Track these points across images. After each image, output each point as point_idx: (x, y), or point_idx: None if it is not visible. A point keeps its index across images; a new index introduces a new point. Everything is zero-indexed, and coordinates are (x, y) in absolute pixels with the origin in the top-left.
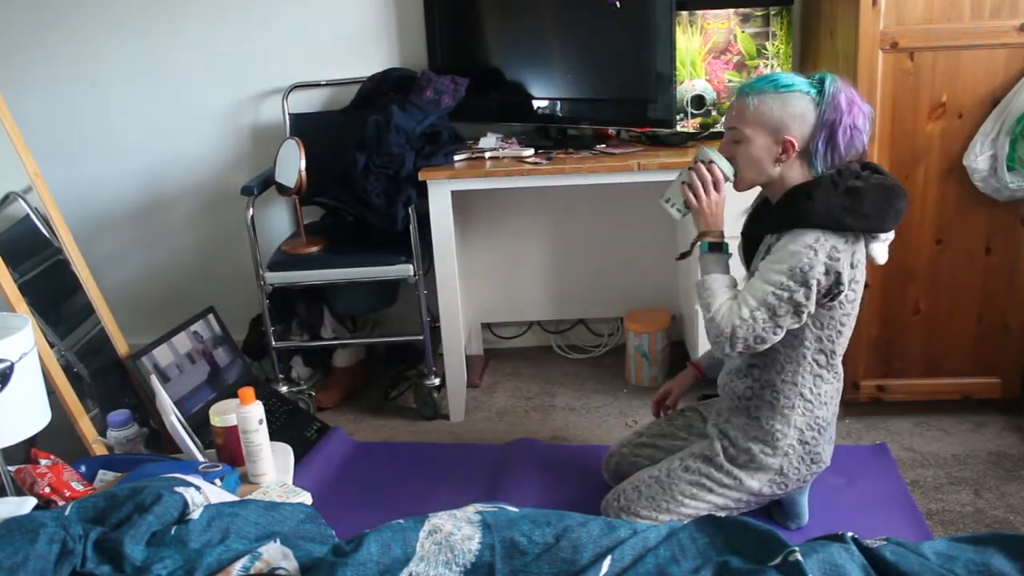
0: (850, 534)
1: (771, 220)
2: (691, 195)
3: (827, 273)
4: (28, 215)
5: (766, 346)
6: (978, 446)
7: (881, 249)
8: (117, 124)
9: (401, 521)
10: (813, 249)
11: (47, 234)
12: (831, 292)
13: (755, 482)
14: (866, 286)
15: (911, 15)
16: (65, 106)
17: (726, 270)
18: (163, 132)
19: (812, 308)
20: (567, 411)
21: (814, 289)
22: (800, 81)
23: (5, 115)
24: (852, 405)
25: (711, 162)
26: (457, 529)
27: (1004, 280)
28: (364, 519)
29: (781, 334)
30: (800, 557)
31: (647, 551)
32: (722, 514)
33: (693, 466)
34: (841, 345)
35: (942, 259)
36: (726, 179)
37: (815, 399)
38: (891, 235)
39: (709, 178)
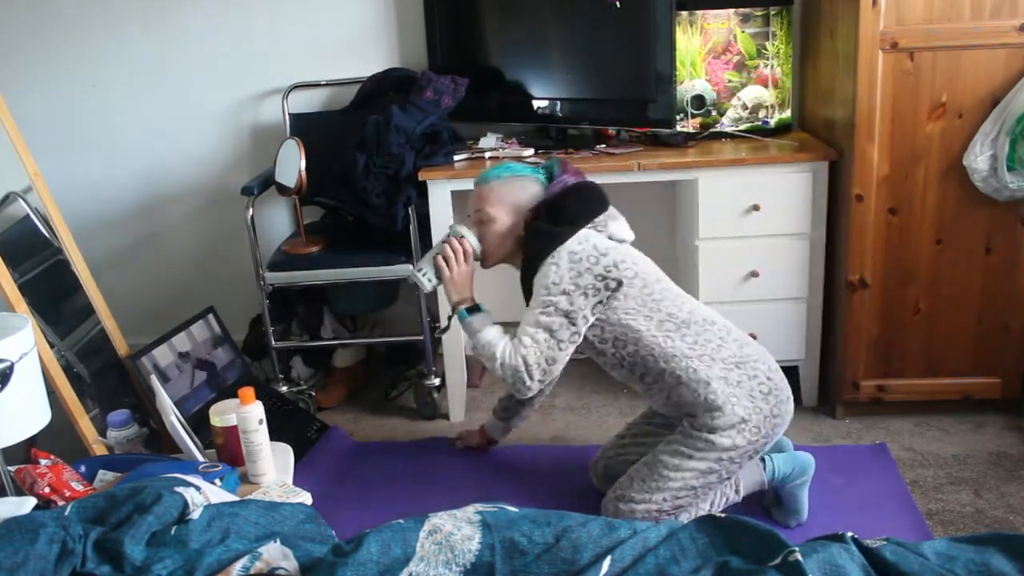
0: (850, 534)
1: (525, 276)
2: (443, 265)
3: (580, 274)
4: (28, 215)
5: (559, 366)
6: (978, 446)
7: (619, 226)
8: (117, 124)
9: (401, 521)
10: (554, 263)
11: (47, 234)
12: (608, 284)
13: (726, 439)
14: (866, 286)
15: (911, 15)
16: (65, 106)
17: (491, 323)
18: (163, 132)
19: (585, 312)
20: (567, 411)
21: (576, 295)
22: (528, 168)
23: (5, 115)
24: (852, 405)
25: (462, 237)
26: (457, 529)
27: (1004, 280)
28: (364, 519)
29: (568, 348)
30: (800, 557)
31: (647, 551)
32: (712, 478)
33: (671, 438)
34: (675, 305)
35: (942, 259)
36: (476, 256)
37: (701, 349)
38: (616, 213)
39: (460, 250)
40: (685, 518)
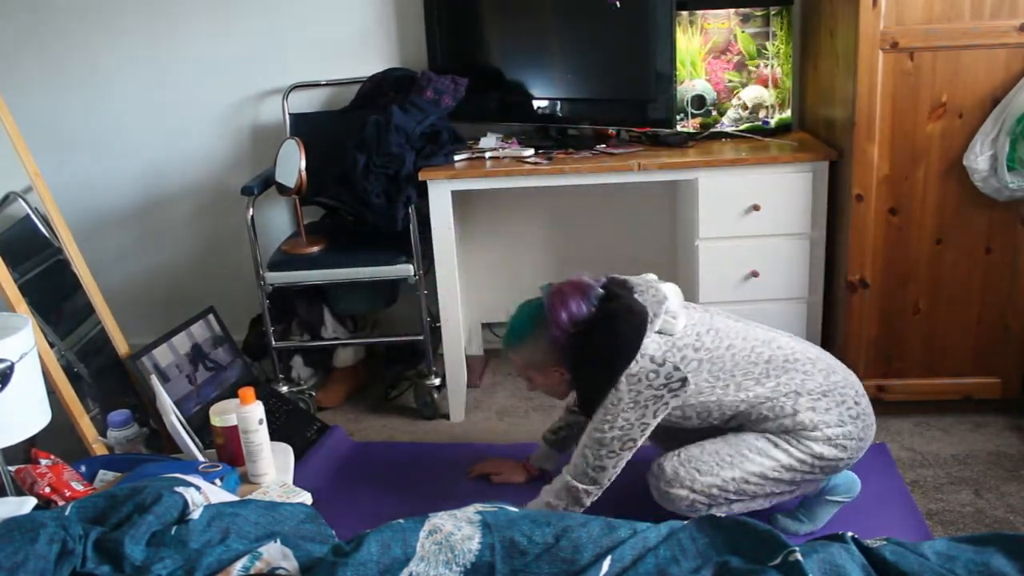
0: (850, 534)
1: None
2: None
3: (640, 392)
4: (28, 215)
5: (610, 473)
6: (978, 446)
7: (664, 314)
8: (117, 124)
9: (401, 521)
10: (617, 395)
11: (47, 234)
12: (672, 388)
13: (816, 446)
14: (866, 286)
15: (911, 15)
16: (65, 106)
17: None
18: (163, 132)
19: (646, 420)
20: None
21: (635, 411)
22: (527, 323)
23: (5, 115)
24: None
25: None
26: (457, 529)
27: (1004, 280)
28: (364, 519)
29: (624, 456)
30: (800, 557)
31: (647, 551)
32: (786, 476)
33: (760, 429)
34: (750, 361)
35: (942, 259)
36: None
37: (785, 388)
38: (668, 297)
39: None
40: (726, 512)
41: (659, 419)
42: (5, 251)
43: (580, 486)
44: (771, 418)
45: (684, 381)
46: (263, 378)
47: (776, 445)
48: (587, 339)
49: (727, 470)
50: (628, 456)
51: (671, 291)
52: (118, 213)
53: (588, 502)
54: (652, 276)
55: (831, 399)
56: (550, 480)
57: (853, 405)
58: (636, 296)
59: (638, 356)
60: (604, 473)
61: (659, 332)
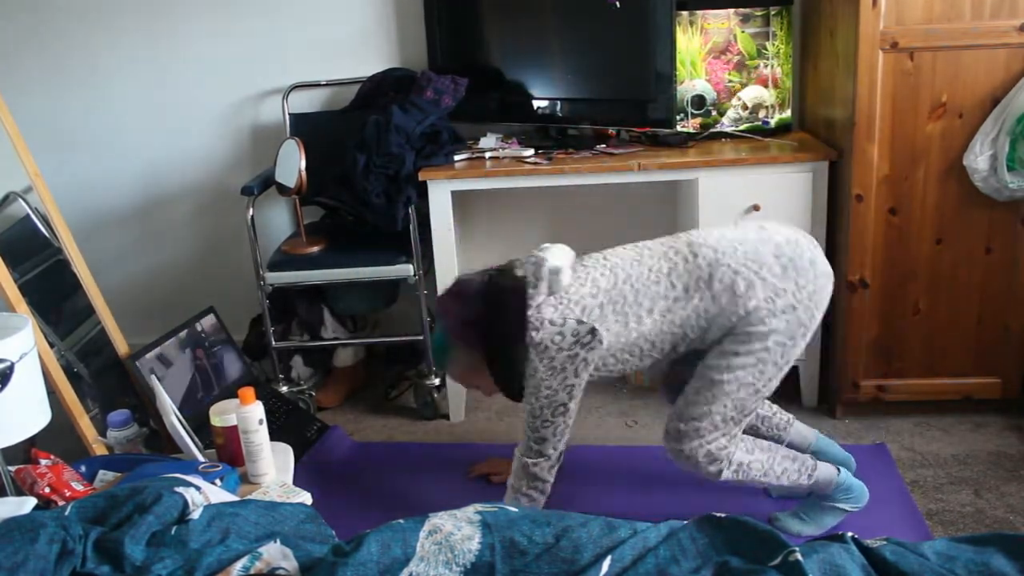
0: (850, 534)
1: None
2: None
3: (553, 358)
4: (28, 215)
5: (554, 442)
6: (978, 446)
7: (553, 275)
8: (117, 124)
9: (401, 521)
10: (532, 367)
11: (47, 234)
12: (583, 342)
13: (762, 326)
14: (866, 286)
15: (911, 15)
16: (65, 106)
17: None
18: (163, 132)
19: (572, 383)
20: None
21: (556, 378)
22: (441, 342)
23: (5, 115)
24: (852, 405)
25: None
26: (457, 529)
27: (1004, 280)
28: (364, 519)
29: (561, 420)
30: (800, 557)
31: (647, 551)
32: (768, 368)
33: (712, 352)
34: (649, 280)
35: (942, 259)
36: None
37: (696, 280)
38: (547, 258)
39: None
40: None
41: (584, 376)
42: (5, 251)
43: (528, 460)
44: (708, 327)
45: (593, 332)
46: (263, 378)
47: (736, 354)
48: (484, 330)
49: (715, 403)
50: (564, 421)
51: (554, 252)
52: (118, 213)
53: (544, 475)
54: (545, 246)
55: (747, 274)
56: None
57: (774, 262)
58: (516, 272)
59: (537, 324)
60: (546, 443)
61: (550, 294)
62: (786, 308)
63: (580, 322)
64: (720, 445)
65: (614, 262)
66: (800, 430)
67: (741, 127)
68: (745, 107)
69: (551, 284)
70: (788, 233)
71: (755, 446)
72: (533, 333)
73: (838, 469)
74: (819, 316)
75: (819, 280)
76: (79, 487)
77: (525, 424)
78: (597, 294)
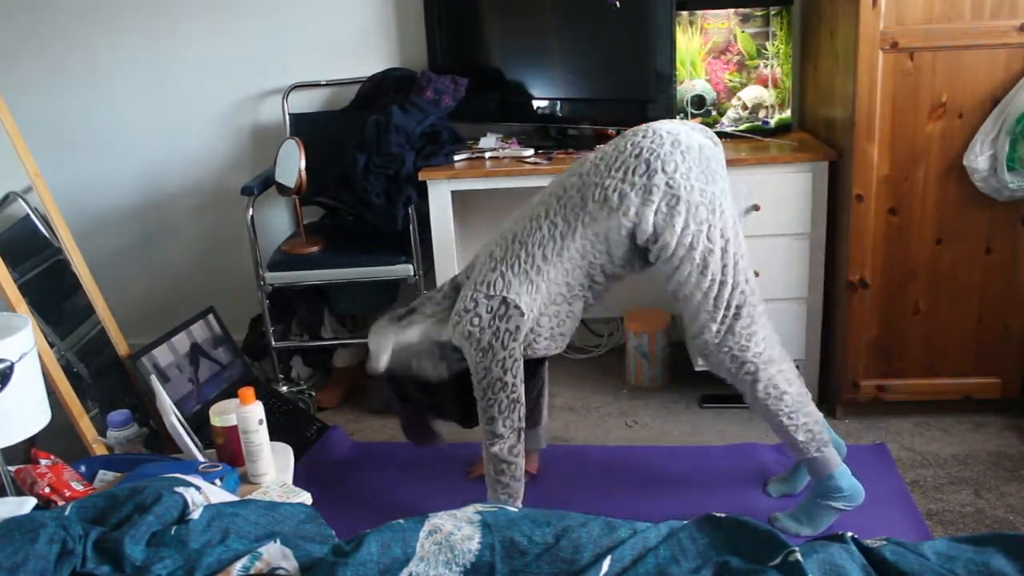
0: (850, 534)
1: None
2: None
3: (479, 338)
4: (28, 215)
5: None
6: (978, 446)
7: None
8: (117, 124)
9: (401, 521)
10: (467, 357)
11: (47, 234)
12: (499, 314)
13: (673, 219)
14: (866, 286)
15: (911, 15)
16: (65, 106)
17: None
18: (163, 132)
19: (506, 353)
20: (567, 411)
21: (494, 353)
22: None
23: (5, 115)
24: (852, 405)
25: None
26: (457, 529)
27: (1004, 280)
28: (364, 519)
29: (509, 386)
30: (800, 557)
31: (647, 551)
32: (711, 260)
33: (642, 252)
34: (533, 226)
35: (942, 259)
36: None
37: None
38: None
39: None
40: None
41: (513, 347)
42: (5, 251)
43: (486, 443)
44: (607, 246)
45: (504, 302)
46: (263, 378)
47: (675, 268)
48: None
49: (699, 311)
50: (506, 396)
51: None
52: (118, 213)
53: (506, 455)
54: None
55: (614, 184)
56: (549, 478)
57: (635, 162)
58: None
59: (456, 319)
60: (495, 422)
61: (455, 288)
62: (669, 202)
63: (489, 296)
64: (740, 347)
65: (503, 230)
66: None
67: (741, 127)
68: (745, 107)
69: (458, 280)
70: (651, 128)
71: (793, 382)
72: (458, 323)
73: (841, 463)
74: (706, 186)
75: (688, 155)
76: (79, 487)
77: (478, 411)
78: (495, 267)
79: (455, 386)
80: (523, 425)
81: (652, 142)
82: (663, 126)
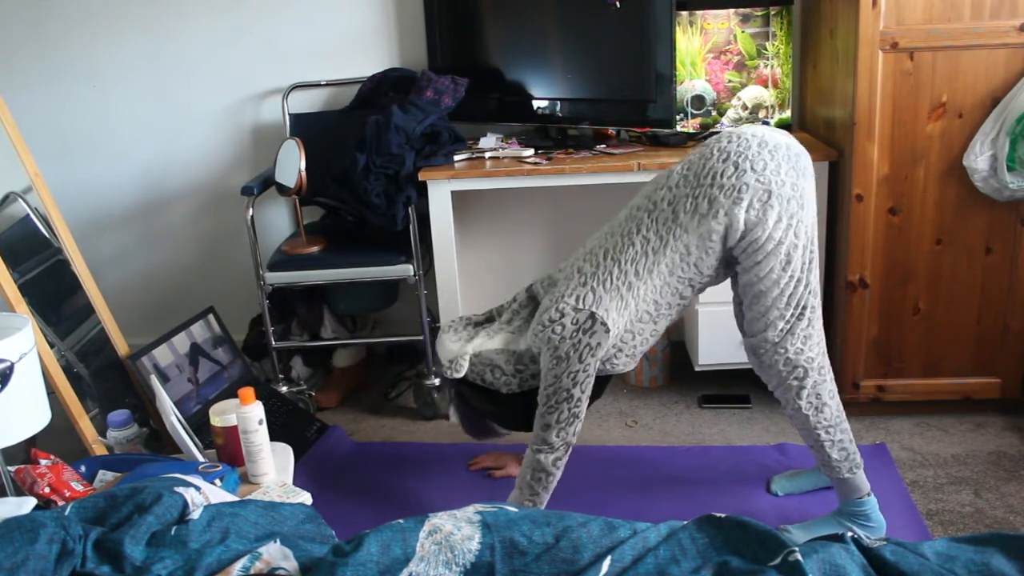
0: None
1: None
2: None
3: (556, 347)
4: (28, 215)
5: (566, 428)
6: (978, 446)
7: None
8: (117, 124)
9: (401, 521)
10: (542, 361)
11: (47, 234)
12: (584, 328)
13: (764, 227)
14: (866, 286)
15: (911, 15)
16: (65, 106)
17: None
18: (163, 132)
19: (578, 370)
20: None
21: (563, 366)
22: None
23: (5, 115)
24: (852, 405)
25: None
26: (457, 529)
27: (1004, 280)
28: (364, 519)
29: (577, 393)
30: (800, 557)
31: (647, 551)
32: (796, 256)
33: (725, 264)
34: (620, 251)
35: (942, 259)
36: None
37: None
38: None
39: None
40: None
41: (590, 363)
42: (5, 251)
43: (534, 447)
44: (698, 260)
45: (592, 317)
46: (263, 378)
47: (756, 263)
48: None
49: (770, 308)
50: (569, 408)
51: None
52: (118, 213)
53: (548, 466)
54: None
55: (704, 191)
56: None
57: (723, 167)
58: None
59: (542, 326)
60: (550, 430)
61: (531, 298)
62: (760, 197)
63: (577, 309)
64: (796, 349)
65: (591, 246)
66: None
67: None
68: (745, 107)
69: (544, 285)
70: (735, 133)
71: (834, 395)
72: (541, 332)
73: (871, 493)
74: (798, 180)
75: (776, 153)
76: (79, 487)
77: (536, 415)
78: (585, 282)
79: (522, 403)
80: (575, 441)
81: (739, 145)
82: (747, 130)
